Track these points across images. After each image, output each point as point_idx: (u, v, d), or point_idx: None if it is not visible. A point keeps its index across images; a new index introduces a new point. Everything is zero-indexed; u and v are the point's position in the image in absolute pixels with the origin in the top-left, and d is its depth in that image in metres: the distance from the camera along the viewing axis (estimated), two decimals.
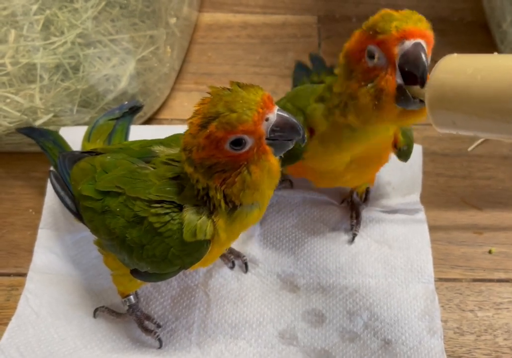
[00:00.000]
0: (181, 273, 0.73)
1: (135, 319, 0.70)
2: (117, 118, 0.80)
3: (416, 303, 0.73)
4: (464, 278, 0.78)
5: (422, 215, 0.81)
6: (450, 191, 0.87)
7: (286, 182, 0.82)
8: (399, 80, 0.54)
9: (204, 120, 0.49)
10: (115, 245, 0.60)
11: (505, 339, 0.73)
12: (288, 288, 0.74)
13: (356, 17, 1.10)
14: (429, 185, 0.86)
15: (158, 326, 0.70)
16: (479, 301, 0.76)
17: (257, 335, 0.70)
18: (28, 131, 0.81)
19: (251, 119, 0.48)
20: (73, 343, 0.69)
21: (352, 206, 0.80)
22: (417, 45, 0.52)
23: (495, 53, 0.48)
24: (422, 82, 0.52)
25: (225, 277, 0.74)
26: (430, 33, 0.54)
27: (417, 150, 0.85)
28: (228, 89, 0.50)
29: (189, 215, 0.55)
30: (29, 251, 0.77)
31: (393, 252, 0.78)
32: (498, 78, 0.45)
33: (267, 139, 0.51)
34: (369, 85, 0.55)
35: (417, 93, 0.53)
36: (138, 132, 0.86)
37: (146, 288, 0.73)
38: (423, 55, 0.52)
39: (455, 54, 0.50)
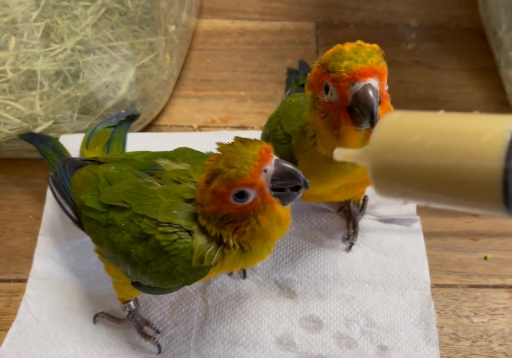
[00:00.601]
0: None
1: (134, 325, 0.70)
2: (114, 126, 0.81)
3: (412, 310, 0.74)
4: (460, 284, 0.79)
5: (418, 225, 0.82)
6: None
7: None
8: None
9: (209, 177, 0.54)
10: (119, 258, 0.61)
11: (500, 345, 0.73)
12: (285, 294, 0.75)
13: (354, 23, 1.11)
14: None
15: (157, 332, 0.71)
16: (475, 307, 0.77)
17: (255, 341, 0.71)
18: (29, 137, 0.82)
19: (248, 173, 0.51)
20: (73, 349, 0.69)
21: (349, 216, 0.81)
22: (366, 87, 0.53)
23: (442, 111, 0.42)
24: (372, 123, 0.54)
25: (224, 283, 0.75)
26: (381, 67, 0.55)
27: None
28: (231, 145, 0.54)
29: (200, 242, 0.57)
30: (29, 257, 0.77)
31: (390, 259, 0.78)
32: (450, 147, 0.38)
33: (273, 189, 0.54)
34: (327, 117, 0.58)
35: (353, 157, 0.47)
36: (137, 139, 0.87)
37: (144, 294, 0.74)
38: (371, 97, 0.53)
39: (396, 114, 0.44)
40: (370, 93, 0.53)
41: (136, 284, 0.63)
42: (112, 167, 0.65)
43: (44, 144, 0.80)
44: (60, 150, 0.80)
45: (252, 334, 0.71)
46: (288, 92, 0.93)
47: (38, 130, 0.84)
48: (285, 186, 0.55)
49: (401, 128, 0.42)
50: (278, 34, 1.08)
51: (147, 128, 0.95)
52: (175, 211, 0.57)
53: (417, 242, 0.81)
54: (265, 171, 0.53)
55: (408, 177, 0.41)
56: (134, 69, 0.89)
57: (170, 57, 0.96)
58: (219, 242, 0.57)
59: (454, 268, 0.80)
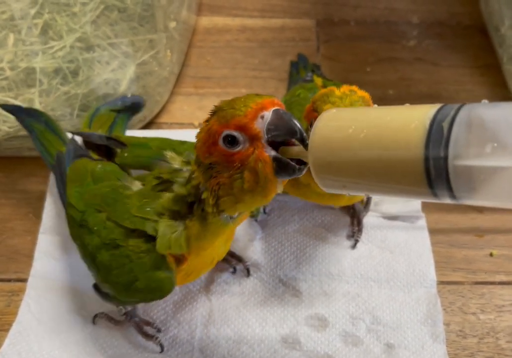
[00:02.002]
0: None
1: (133, 325, 0.69)
2: (118, 111, 0.80)
3: (419, 307, 0.73)
4: (466, 281, 0.78)
5: (422, 222, 0.81)
6: None
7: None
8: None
9: (210, 115, 0.50)
10: (87, 260, 0.61)
11: (507, 342, 0.73)
12: (290, 293, 0.74)
13: (355, 20, 1.10)
14: None
15: (159, 330, 0.70)
16: (481, 303, 0.76)
17: (260, 340, 0.70)
18: (14, 109, 0.77)
19: (243, 113, 0.47)
20: (75, 349, 0.68)
21: (353, 213, 0.80)
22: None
23: (375, 106, 0.45)
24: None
25: (227, 282, 0.74)
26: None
27: None
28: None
29: (163, 229, 0.55)
30: (29, 257, 0.76)
31: (395, 257, 0.77)
32: (381, 137, 0.40)
33: (267, 143, 0.48)
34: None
35: (296, 154, 0.48)
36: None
37: None
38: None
39: (334, 109, 0.46)
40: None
41: (96, 289, 0.63)
42: (99, 165, 0.64)
43: (33, 119, 0.76)
44: (53, 127, 0.76)
45: (257, 333, 0.70)
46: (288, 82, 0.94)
47: None
48: (281, 138, 0.48)
49: (337, 123, 0.44)
50: (279, 31, 1.08)
51: (147, 126, 0.94)
52: (148, 209, 0.56)
53: (422, 239, 0.80)
54: (262, 117, 0.47)
55: (345, 169, 0.43)
56: (134, 66, 0.88)
57: (170, 54, 0.95)
58: (184, 223, 0.55)
59: (460, 265, 0.80)
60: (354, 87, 0.58)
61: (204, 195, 0.52)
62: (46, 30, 0.85)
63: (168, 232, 0.55)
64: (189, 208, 0.55)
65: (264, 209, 0.80)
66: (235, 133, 0.47)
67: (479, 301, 0.76)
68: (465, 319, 0.75)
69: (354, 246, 0.79)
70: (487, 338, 0.73)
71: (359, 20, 1.10)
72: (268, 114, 0.47)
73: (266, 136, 0.47)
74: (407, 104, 0.43)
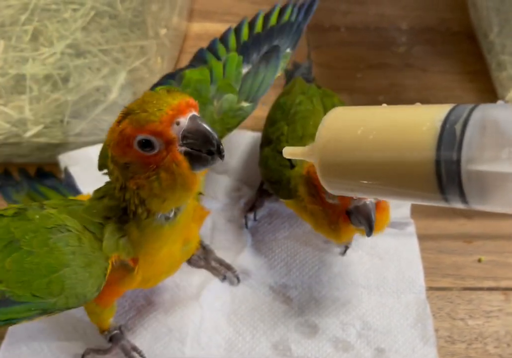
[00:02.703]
0: (173, 285, 0.74)
1: (121, 349, 0.67)
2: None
3: (408, 312, 0.74)
4: (455, 286, 0.79)
5: (412, 229, 0.82)
6: None
7: None
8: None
9: (122, 116, 0.49)
10: None
11: (495, 347, 0.73)
12: (280, 300, 0.75)
13: (345, 27, 1.11)
14: None
15: (142, 356, 0.67)
16: (470, 309, 0.77)
17: (251, 347, 0.70)
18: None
19: (158, 119, 0.46)
20: None
21: None
22: (368, 205, 0.60)
23: (384, 105, 0.43)
24: (371, 228, 0.61)
25: (218, 289, 0.74)
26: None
27: None
28: (157, 91, 0.50)
29: (109, 232, 0.54)
30: None
31: (385, 263, 0.78)
32: (390, 138, 0.39)
33: (180, 145, 0.48)
34: (327, 215, 0.66)
35: (301, 154, 0.48)
36: None
37: (138, 301, 0.73)
38: (371, 214, 0.60)
39: (339, 109, 0.45)
40: (371, 212, 0.60)
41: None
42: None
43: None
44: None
45: (248, 341, 0.70)
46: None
47: (28, 134, 0.83)
48: (197, 147, 0.48)
49: (345, 122, 0.43)
50: None
51: None
52: (94, 211, 0.55)
53: (411, 245, 0.81)
54: (177, 123, 0.47)
55: (353, 171, 0.42)
56: (125, 72, 0.88)
57: (161, 61, 0.95)
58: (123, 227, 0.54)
59: (449, 271, 0.80)
60: None
61: (127, 196, 0.52)
62: (36, 37, 0.85)
63: (115, 236, 0.54)
64: (124, 212, 0.54)
65: (254, 216, 0.81)
66: (151, 138, 0.47)
67: (467, 307, 0.77)
68: (453, 324, 0.75)
69: (344, 253, 0.79)
70: (475, 343, 0.74)
71: (349, 26, 1.11)
72: (184, 121, 0.47)
73: (181, 142, 0.48)
74: (418, 103, 0.41)
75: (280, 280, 0.76)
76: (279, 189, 0.70)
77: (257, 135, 0.87)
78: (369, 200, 0.60)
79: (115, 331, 0.67)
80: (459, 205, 0.38)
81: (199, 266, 0.76)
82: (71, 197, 0.65)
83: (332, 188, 0.45)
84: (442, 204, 0.39)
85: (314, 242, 0.80)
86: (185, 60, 1.04)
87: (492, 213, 0.87)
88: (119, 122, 0.49)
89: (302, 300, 0.75)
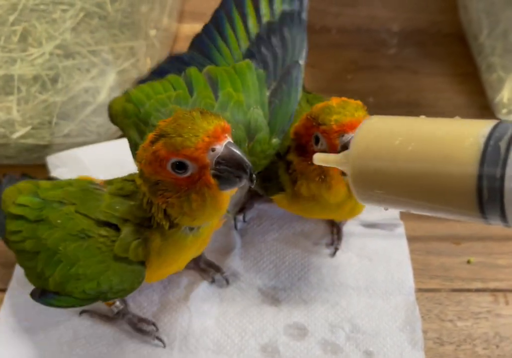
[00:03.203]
0: (162, 287, 0.74)
1: (128, 322, 0.69)
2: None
3: (397, 314, 0.74)
4: (443, 288, 0.79)
5: (401, 230, 0.82)
6: None
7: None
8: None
9: (155, 137, 0.50)
10: (37, 259, 0.58)
11: (484, 349, 0.74)
12: (269, 302, 0.74)
13: (336, 28, 1.11)
14: None
15: (154, 325, 0.69)
16: (458, 311, 0.77)
17: (239, 349, 0.70)
18: None
19: (194, 145, 0.48)
20: None
21: (333, 222, 0.81)
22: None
23: (422, 116, 0.43)
24: None
25: (206, 292, 0.74)
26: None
27: None
28: (191, 112, 0.50)
29: (125, 232, 0.55)
30: (8, 267, 0.76)
31: (374, 264, 0.78)
32: (431, 152, 0.39)
33: (213, 169, 0.50)
34: (316, 166, 0.58)
35: (334, 162, 0.49)
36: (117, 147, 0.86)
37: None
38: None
39: (375, 118, 0.45)
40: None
41: (34, 294, 0.61)
42: (65, 180, 0.64)
43: None
44: None
45: (236, 343, 0.70)
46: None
47: (15, 136, 0.82)
48: (229, 172, 0.50)
49: (382, 132, 0.42)
50: None
51: None
52: (117, 207, 0.56)
53: (400, 246, 0.81)
54: (213, 150, 0.49)
55: (388, 182, 0.41)
56: (114, 74, 0.87)
57: (151, 62, 0.95)
58: (146, 232, 0.55)
59: (437, 272, 0.80)
60: (344, 98, 0.60)
61: (153, 210, 0.54)
62: (25, 37, 0.84)
63: (129, 238, 0.55)
64: (148, 219, 0.55)
65: (243, 218, 0.81)
66: (185, 161, 0.49)
67: (456, 308, 0.77)
68: (442, 326, 0.75)
69: (333, 254, 0.79)
70: (464, 345, 0.74)
71: (340, 28, 1.11)
72: (220, 148, 0.49)
73: (214, 166, 0.49)
74: (457, 117, 0.41)
75: (269, 282, 0.76)
76: (269, 187, 0.70)
77: None
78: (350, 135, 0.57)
79: (122, 306, 0.69)
80: (497, 223, 0.37)
81: (188, 268, 0.75)
82: (83, 179, 0.64)
83: (363, 198, 0.45)
84: (478, 221, 0.38)
85: (303, 244, 0.80)
86: None
87: None
88: (152, 142, 0.50)
89: (291, 302, 0.74)
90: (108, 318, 0.70)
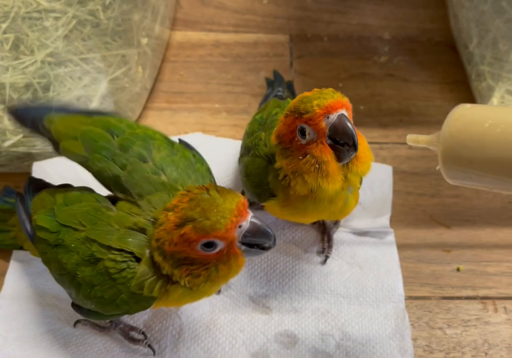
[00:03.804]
0: None
1: (119, 332, 0.70)
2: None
3: (387, 322, 0.75)
4: (433, 296, 0.80)
5: (391, 238, 0.82)
6: (419, 209, 0.88)
7: (257, 203, 0.83)
8: (329, 142, 0.60)
9: (181, 221, 0.53)
10: (64, 280, 0.60)
11: (473, 356, 0.74)
12: (260, 310, 0.75)
13: (328, 36, 1.12)
14: (398, 203, 0.88)
15: (144, 335, 0.70)
16: (448, 318, 0.77)
17: (230, 357, 0.70)
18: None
19: (224, 227, 0.52)
20: None
21: (324, 229, 0.81)
22: (341, 116, 0.59)
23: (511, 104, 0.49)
24: (355, 147, 0.59)
25: None
26: (346, 100, 0.60)
27: (387, 171, 0.86)
28: (207, 192, 0.54)
29: (142, 270, 0.56)
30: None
31: (364, 272, 0.79)
32: None
33: (241, 243, 0.55)
34: (308, 156, 0.60)
35: (426, 142, 0.54)
36: None
37: None
38: (348, 124, 0.58)
39: (468, 105, 0.50)
40: (345, 120, 0.58)
41: (76, 307, 0.63)
42: (75, 191, 0.64)
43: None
44: None
45: (227, 351, 0.70)
46: (267, 93, 0.94)
47: (6, 144, 0.82)
48: (255, 242, 0.55)
49: (473, 116, 0.47)
50: (252, 47, 1.08)
51: None
52: (129, 239, 0.57)
53: (391, 254, 0.81)
54: (239, 226, 0.54)
55: (476, 162, 0.46)
56: (106, 82, 0.88)
57: (142, 70, 0.95)
58: (165, 276, 0.56)
59: (427, 280, 0.81)
60: (316, 89, 0.62)
61: (174, 279, 0.56)
62: (16, 45, 0.84)
63: (146, 275, 0.56)
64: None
65: None
66: (216, 241, 0.53)
67: (445, 316, 0.78)
68: (432, 334, 0.76)
69: (324, 262, 0.79)
70: (453, 352, 0.74)
71: (332, 36, 1.12)
72: (245, 224, 0.54)
73: (240, 239, 0.54)
74: None
75: (260, 290, 0.76)
76: (260, 193, 0.70)
77: (238, 143, 0.87)
78: (341, 112, 0.59)
79: None
80: None
81: None
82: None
83: (451, 175, 0.49)
84: None
85: (294, 251, 0.80)
86: (167, 69, 1.05)
87: (470, 222, 0.88)
88: (178, 225, 0.53)
89: (281, 310, 0.75)
90: (101, 327, 0.71)
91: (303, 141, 0.61)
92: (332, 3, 1.17)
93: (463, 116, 0.48)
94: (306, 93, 0.61)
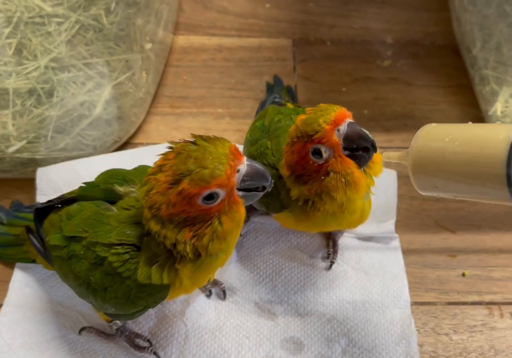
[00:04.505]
0: None
1: (125, 340, 0.70)
2: None
3: (393, 328, 0.74)
4: (439, 301, 0.79)
5: (396, 243, 0.82)
6: (424, 214, 0.88)
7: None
8: (346, 153, 0.60)
9: (175, 177, 0.50)
10: (83, 290, 0.60)
11: None
12: (266, 316, 0.74)
13: (330, 40, 1.11)
14: (403, 208, 0.87)
15: (150, 342, 0.69)
16: (454, 324, 0.77)
17: None
18: None
19: (224, 173, 0.49)
20: None
21: (329, 235, 0.81)
22: (350, 124, 0.59)
23: (470, 123, 0.55)
24: (375, 148, 0.60)
25: (203, 306, 0.74)
26: (345, 109, 0.61)
27: (392, 176, 0.86)
28: (194, 143, 0.51)
29: (144, 259, 0.55)
30: (4, 282, 0.76)
31: (370, 278, 0.78)
32: (472, 144, 0.50)
33: (238, 189, 0.52)
34: (331, 174, 0.60)
35: (397, 157, 0.59)
36: (114, 159, 0.86)
37: None
38: (360, 128, 0.59)
39: (433, 124, 0.56)
40: (356, 126, 0.59)
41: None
42: (75, 204, 0.64)
43: None
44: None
45: None
46: (263, 100, 0.94)
47: (10, 150, 0.82)
48: (254, 186, 0.54)
49: (435, 134, 0.54)
50: (255, 51, 1.08)
51: (123, 147, 0.93)
52: (128, 232, 0.56)
53: (396, 260, 0.81)
54: (237, 171, 0.51)
55: (439, 171, 0.52)
56: (109, 87, 0.87)
57: (146, 75, 0.95)
58: (169, 256, 0.55)
59: (433, 285, 0.81)
60: (308, 108, 0.63)
61: (179, 248, 0.53)
62: (20, 50, 0.84)
63: (149, 263, 0.55)
64: (168, 251, 0.55)
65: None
66: (217, 190, 0.50)
67: (451, 322, 0.77)
68: (438, 339, 0.76)
69: (329, 268, 0.79)
70: None
71: (334, 39, 1.12)
72: (243, 168, 0.52)
73: (239, 185, 0.52)
74: (499, 122, 0.55)
75: (265, 296, 0.76)
76: (269, 203, 0.69)
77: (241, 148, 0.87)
78: (348, 120, 0.59)
79: (121, 323, 0.69)
80: None
81: None
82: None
83: (421, 186, 0.56)
84: (506, 197, 0.48)
85: (299, 257, 0.80)
86: (170, 73, 1.04)
87: (475, 227, 0.88)
88: (172, 184, 0.50)
89: (287, 316, 0.75)
90: (106, 334, 0.70)
91: (320, 161, 0.60)
92: (334, 7, 1.17)
93: (428, 134, 0.54)
94: (302, 116, 0.61)
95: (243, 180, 0.52)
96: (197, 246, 0.53)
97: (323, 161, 0.60)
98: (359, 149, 0.60)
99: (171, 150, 0.52)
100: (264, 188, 0.55)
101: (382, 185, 0.85)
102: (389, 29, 1.14)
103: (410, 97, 1.03)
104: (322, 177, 0.61)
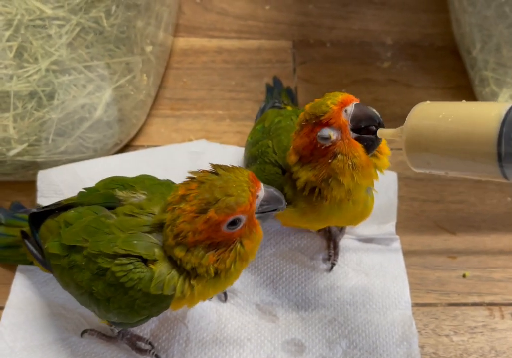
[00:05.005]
0: None
1: (126, 342, 0.70)
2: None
3: (394, 330, 0.75)
4: (440, 302, 0.80)
5: (397, 244, 0.82)
6: (424, 216, 0.88)
7: None
8: (354, 135, 0.61)
9: (201, 207, 0.53)
10: (85, 299, 0.60)
11: None
12: (267, 318, 0.75)
13: (330, 42, 1.12)
14: (403, 209, 0.88)
15: (151, 345, 0.70)
16: (454, 325, 0.77)
17: None
18: None
19: (247, 200, 0.53)
20: None
21: (329, 236, 0.81)
22: (357, 105, 0.61)
23: (463, 101, 0.55)
24: (381, 125, 0.61)
25: (204, 308, 0.74)
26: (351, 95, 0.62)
27: (392, 177, 0.86)
28: (214, 173, 0.54)
29: (160, 268, 0.56)
30: (6, 284, 0.76)
31: (370, 279, 0.79)
32: (465, 122, 0.51)
33: (256, 212, 0.56)
34: (338, 156, 0.60)
35: (391, 135, 0.60)
36: (115, 161, 0.86)
37: None
38: (367, 107, 0.60)
39: (428, 102, 0.56)
40: (363, 106, 0.61)
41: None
42: (72, 211, 0.64)
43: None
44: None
45: None
46: (263, 106, 0.94)
47: (11, 153, 0.82)
48: (270, 209, 0.57)
49: (429, 111, 0.54)
50: (255, 53, 1.08)
51: (124, 149, 0.94)
52: (134, 242, 0.56)
53: (396, 261, 0.81)
54: (257, 196, 0.55)
55: (432, 148, 0.53)
56: (110, 89, 0.87)
57: (146, 77, 0.95)
58: (185, 271, 0.56)
59: (433, 287, 0.81)
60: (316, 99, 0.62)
61: (200, 271, 0.55)
62: (20, 53, 0.84)
63: (164, 272, 0.56)
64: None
65: None
66: (240, 216, 0.53)
67: (452, 323, 0.78)
68: (438, 341, 0.76)
69: (330, 270, 0.79)
70: None
71: (334, 41, 1.12)
72: (261, 194, 0.56)
73: (257, 210, 0.56)
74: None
75: (266, 298, 0.76)
76: None
77: (243, 150, 0.87)
78: (355, 103, 0.61)
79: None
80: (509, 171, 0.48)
81: None
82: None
83: (414, 163, 0.56)
84: (499, 178, 0.50)
85: (300, 258, 0.80)
86: (171, 75, 1.05)
87: (475, 228, 0.88)
88: (198, 213, 0.53)
89: (288, 318, 0.75)
90: (108, 337, 0.71)
91: (328, 143, 0.60)
92: (333, 9, 1.18)
93: (422, 111, 0.54)
94: (311, 103, 0.62)
95: (261, 205, 0.56)
96: (220, 268, 0.55)
97: (330, 143, 0.60)
98: (369, 131, 0.60)
99: (192, 180, 0.55)
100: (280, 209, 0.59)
101: (382, 187, 0.85)
102: (388, 30, 1.14)
103: (409, 98, 1.04)
104: (329, 160, 0.61)
